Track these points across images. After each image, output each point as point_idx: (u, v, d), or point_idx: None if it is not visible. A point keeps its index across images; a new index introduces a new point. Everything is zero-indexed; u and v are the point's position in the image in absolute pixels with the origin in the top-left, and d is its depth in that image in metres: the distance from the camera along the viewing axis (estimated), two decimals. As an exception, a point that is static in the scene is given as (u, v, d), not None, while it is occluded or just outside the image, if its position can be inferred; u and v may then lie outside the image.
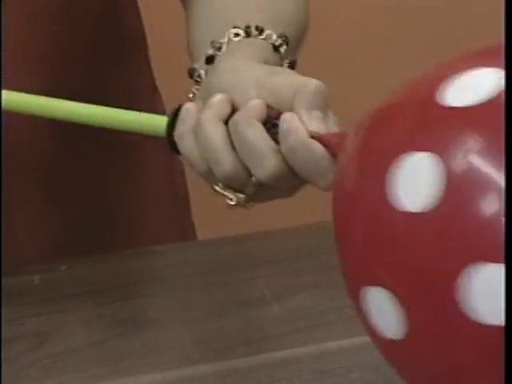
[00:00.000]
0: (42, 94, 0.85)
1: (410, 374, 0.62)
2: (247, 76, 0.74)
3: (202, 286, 0.92)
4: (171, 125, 0.75)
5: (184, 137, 0.72)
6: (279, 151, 0.68)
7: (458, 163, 0.55)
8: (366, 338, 0.81)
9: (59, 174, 1.04)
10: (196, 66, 0.82)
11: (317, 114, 0.67)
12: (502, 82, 0.57)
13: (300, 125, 0.67)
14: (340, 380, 0.76)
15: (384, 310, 0.58)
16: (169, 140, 0.76)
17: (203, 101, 0.77)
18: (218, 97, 0.72)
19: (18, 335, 0.85)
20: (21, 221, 1.02)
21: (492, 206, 0.53)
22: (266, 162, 0.67)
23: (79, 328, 0.86)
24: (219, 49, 0.79)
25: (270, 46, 0.80)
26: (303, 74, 0.76)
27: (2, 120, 0.88)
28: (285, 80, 0.72)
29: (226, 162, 0.69)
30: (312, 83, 0.70)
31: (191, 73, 0.81)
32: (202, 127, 0.70)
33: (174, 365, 0.80)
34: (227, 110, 0.71)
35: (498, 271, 0.53)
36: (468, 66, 0.60)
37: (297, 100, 0.68)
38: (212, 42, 0.80)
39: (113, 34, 1.02)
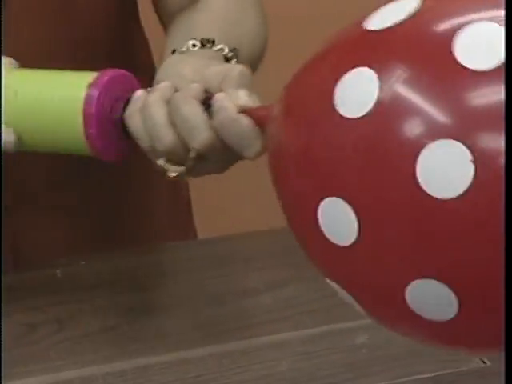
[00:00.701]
0: None
1: (359, 281, 0.61)
2: (186, 67, 0.77)
3: (202, 278, 0.93)
4: (123, 110, 0.77)
5: (132, 116, 0.74)
6: (212, 125, 0.69)
7: (395, 72, 0.55)
8: (345, 324, 0.86)
9: (79, 185, 1.04)
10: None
11: (243, 92, 0.69)
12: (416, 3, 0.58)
13: (229, 102, 0.69)
14: (322, 361, 0.78)
15: (339, 219, 0.58)
16: (121, 123, 0.77)
17: None
18: (163, 83, 0.74)
19: (42, 321, 0.87)
20: (47, 223, 1.03)
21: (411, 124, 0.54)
22: (200, 135, 0.69)
23: (95, 315, 0.87)
24: (181, 52, 0.82)
25: (222, 57, 0.83)
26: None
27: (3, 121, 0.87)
28: (215, 68, 0.74)
29: (166, 137, 0.71)
30: (237, 68, 0.73)
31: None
32: (146, 107, 0.72)
33: (177, 347, 0.82)
34: (170, 93, 0.73)
35: (447, 147, 0.53)
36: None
37: (225, 82, 0.71)
38: (173, 51, 0.83)
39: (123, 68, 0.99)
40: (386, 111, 0.56)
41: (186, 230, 1.15)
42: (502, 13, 0.56)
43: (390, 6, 0.60)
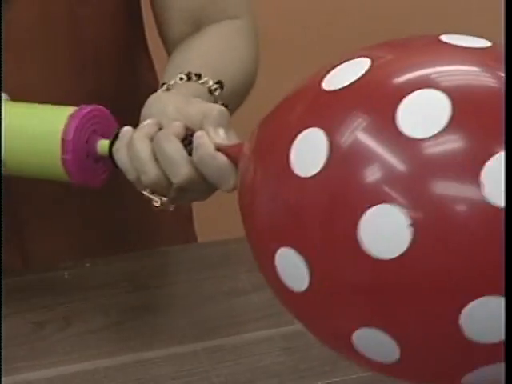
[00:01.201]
0: None
1: (314, 324, 0.63)
2: (170, 105, 0.77)
3: (197, 279, 0.95)
4: (111, 144, 0.78)
5: (119, 150, 0.75)
6: (192, 161, 0.71)
7: (341, 137, 0.56)
8: None
9: (86, 191, 1.03)
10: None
11: (221, 130, 0.71)
12: (367, 66, 0.58)
13: (207, 140, 0.70)
14: (302, 355, 0.81)
15: (292, 267, 0.59)
16: (110, 156, 0.78)
17: None
18: (148, 121, 0.75)
19: (50, 319, 0.88)
20: (58, 229, 1.04)
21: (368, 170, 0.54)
22: (180, 170, 0.71)
23: (99, 313, 0.89)
24: (168, 89, 0.83)
25: (206, 89, 0.84)
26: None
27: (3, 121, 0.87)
28: (196, 107, 0.75)
29: (150, 172, 0.72)
30: (216, 108, 0.74)
31: None
32: (132, 143, 0.74)
33: (173, 342, 0.84)
34: (154, 130, 0.74)
35: (385, 211, 0.53)
36: (343, 59, 0.61)
37: (205, 121, 0.72)
38: (162, 84, 0.84)
39: (131, 92, 1.02)
40: (333, 173, 0.56)
41: (187, 235, 1.16)
42: (443, 73, 0.57)
43: (345, 66, 0.61)
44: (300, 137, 0.58)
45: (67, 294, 0.93)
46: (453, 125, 0.54)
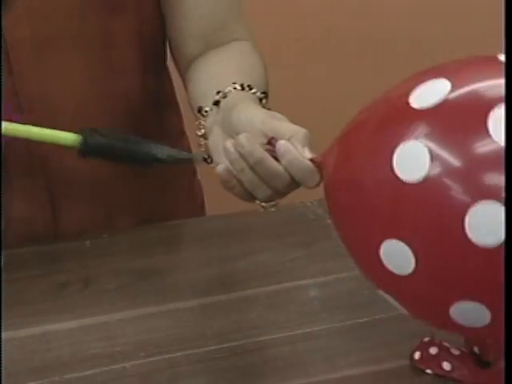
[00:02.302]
0: None
1: (416, 306, 0.67)
2: (256, 115, 0.78)
3: (196, 248, 0.98)
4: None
5: (244, 171, 0.74)
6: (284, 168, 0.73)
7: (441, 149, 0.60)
8: (301, 282, 0.90)
9: (115, 187, 1.06)
10: (203, 105, 0.86)
11: (306, 149, 0.72)
12: (449, 87, 0.62)
13: (292, 147, 0.72)
14: (282, 310, 0.83)
15: (399, 256, 0.63)
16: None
17: (222, 127, 0.82)
18: (249, 140, 0.74)
19: (71, 280, 0.91)
20: (86, 205, 1.05)
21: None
22: (283, 180, 0.74)
23: (113, 276, 0.92)
24: (224, 96, 0.84)
25: (257, 98, 0.86)
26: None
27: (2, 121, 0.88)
28: (284, 125, 0.76)
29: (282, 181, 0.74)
30: (302, 130, 0.75)
31: (200, 109, 0.86)
32: (263, 163, 0.74)
33: (174, 300, 0.87)
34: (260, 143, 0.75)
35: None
36: (426, 78, 0.65)
37: (293, 139, 0.73)
38: (218, 92, 0.85)
39: (155, 132, 0.99)
40: (436, 179, 0.60)
41: (198, 210, 1.17)
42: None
43: (427, 86, 0.64)
44: (401, 146, 0.62)
45: (88, 259, 0.96)
46: None
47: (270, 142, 0.75)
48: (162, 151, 0.81)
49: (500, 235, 0.59)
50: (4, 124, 0.82)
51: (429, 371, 0.75)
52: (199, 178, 1.16)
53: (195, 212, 1.16)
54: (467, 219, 0.59)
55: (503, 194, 0.59)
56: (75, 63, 0.98)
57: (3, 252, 0.93)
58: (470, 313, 0.63)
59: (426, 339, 0.77)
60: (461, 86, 0.63)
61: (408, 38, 2.00)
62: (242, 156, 0.74)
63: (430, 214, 0.61)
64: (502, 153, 0.59)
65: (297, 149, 0.73)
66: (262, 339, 0.81)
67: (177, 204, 1.12)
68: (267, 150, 0.74)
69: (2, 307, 0.86)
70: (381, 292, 0.69)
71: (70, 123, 0.95)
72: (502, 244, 0.59)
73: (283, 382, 0.76)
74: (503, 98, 0.61)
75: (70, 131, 0.83)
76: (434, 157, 0.61)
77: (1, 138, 0.84)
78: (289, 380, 0.76)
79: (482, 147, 0.60)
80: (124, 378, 0.77)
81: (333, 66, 1.98)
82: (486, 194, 0.59)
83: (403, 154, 0.62)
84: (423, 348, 0.76)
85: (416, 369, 0.76)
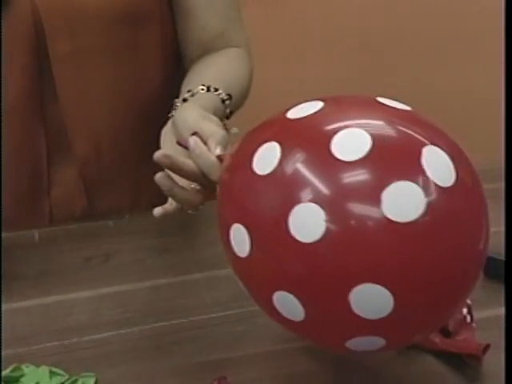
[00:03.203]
0: None
1: (253, 285, 0.66)
2: (191, 115, 0.79)
3: (202, 228, 0.98)
4: None
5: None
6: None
7: (289, 152, 0.61)
8: None
9: (140, 175, 1.06)
10: (177, 100, 0.88)
11: (218, 148, 0.71)
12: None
13: (201, 143, 0.72)
14: None
15: (240, 238, 0.63)
16: None
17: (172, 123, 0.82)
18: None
19: (94, 255, 0.94)
20: (116, 190, 1.06)
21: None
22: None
23: (130, 251, 0.94)
24: (192, 95, 0.87)
25: (220, 99, 0.88)
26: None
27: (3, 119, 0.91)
28: (208, 125, 0.76)
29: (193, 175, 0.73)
30: (221, 132, 0.74)
31: (173, 103, 0.87)
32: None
33: (181, 273, 0.89)
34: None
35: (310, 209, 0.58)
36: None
37: (211, 138, 0.72)
38: (189, 91, 0.88)
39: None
40: (282, 173, 0.61)
41: None
42: (369, 120, 0.62)
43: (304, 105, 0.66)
44: (261, 148, 0.64)
45: (110, 237, 0.97)
46: (369, 157, 0.59)
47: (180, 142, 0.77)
48: None
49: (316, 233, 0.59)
50: None
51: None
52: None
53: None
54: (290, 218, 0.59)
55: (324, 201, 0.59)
56: (106, 73, 0.99)
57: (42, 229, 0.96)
58: (287, 304, 0.62)
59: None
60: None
61: (410, 38, 1.96)
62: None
63: (266, 206, 0.62)
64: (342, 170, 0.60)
65: (210, 146, 0.72)
66: (255, 309, 0.78)
67: None
68: (182, 146, 0.75)
69: (33, 277, 0.89)
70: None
71: (103, 127, 1.00)
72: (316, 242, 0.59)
73: (273, 346, 0.78)
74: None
75: (103, 133, 0.84)
76: (282, 156, 0.62)
77: (1, 137, 0.86)
78: (279, 344, 0.78)
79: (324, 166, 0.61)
80: (133, 341, 0.79)
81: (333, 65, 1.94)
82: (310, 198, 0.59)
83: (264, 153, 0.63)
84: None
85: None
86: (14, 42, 0.94)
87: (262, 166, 0.63)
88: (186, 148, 0.74)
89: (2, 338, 0.80)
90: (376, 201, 0.58)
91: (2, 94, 0.94)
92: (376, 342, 0.63)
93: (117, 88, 1.00)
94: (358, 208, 0.58)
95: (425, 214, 0.58)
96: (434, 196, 0.59)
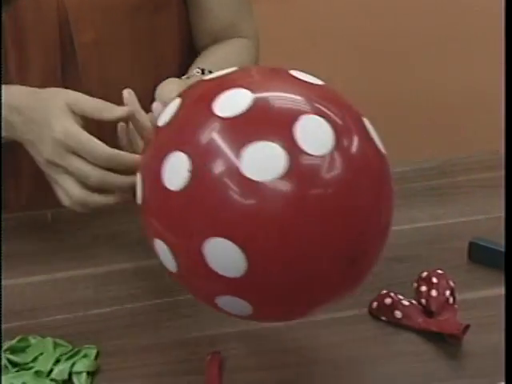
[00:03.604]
0: None
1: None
2: (172, 87, 0.80)
3: None
4: None
5: None
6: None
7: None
8: None
9: None
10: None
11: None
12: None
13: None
14: None
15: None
16: None
17: None
18: None
19: (102, 234, 0.94)
20: None
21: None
22: None
23: (136, 233, 0.91)
24: (188, 77, 0.88)
25: None
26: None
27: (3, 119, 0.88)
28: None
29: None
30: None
31: None
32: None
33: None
34: None
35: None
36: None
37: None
38: (187, 74, 0.90)
39: None
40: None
41: None
42: (263, 85, 0.62)
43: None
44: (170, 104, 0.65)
45: (117, 218, 0.96)
46: (244, 115, 0.58)
47: None
48: None
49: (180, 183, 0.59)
50: None
51: (383, 318, 0.79)
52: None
53: None
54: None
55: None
56: (127, 59, 1.00)
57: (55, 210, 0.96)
58: (163, 254, 0.63)
59: (383, 292, 0.80)
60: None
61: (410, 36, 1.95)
62: None
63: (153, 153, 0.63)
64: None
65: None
66: None
67: None
68: None
69: (43, 254, 0.91)
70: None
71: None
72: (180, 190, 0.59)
73: (263, 324, 0.77)
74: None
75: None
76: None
77: (0, 138, 0.85)
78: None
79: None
80: (135, 316, 0.81)
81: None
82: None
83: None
84: (380, 299, 0.80)
85: (373, 316, 0.80)
86: (39, 31, 0.95)
87: (163, 118, 0.64)
88: None
89: (12, 310, 0.82)
90: (236, 157, 0.57)
91: (27, 80, 0.94)
92: (243, 306, 0.61)
93: (136, 73, 1.01)
94: (219, 162, 0.57)
95: (283, 177, 0.56)
96: (297, 160, 0.57)
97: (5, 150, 0.96)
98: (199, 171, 0.58)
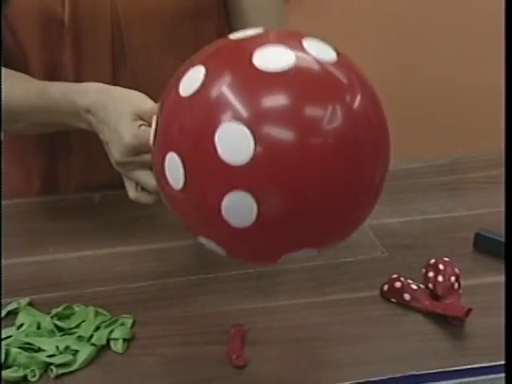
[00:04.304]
0: None
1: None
2: None
3: None
4: None
5: None
6: None
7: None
8: None
9: None
10: None
11: None
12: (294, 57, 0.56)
13: None
14: None
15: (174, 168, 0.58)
16: None
17: None
18: None
19: (141, 216, 0.95)
20: None
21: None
22: None
23: (170, 216, 0.88)
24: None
25: None
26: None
27: (2, 115, 0.90)
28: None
29: None
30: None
31: None
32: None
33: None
34: None
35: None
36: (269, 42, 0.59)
37: None
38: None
39: None
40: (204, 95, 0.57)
41: None
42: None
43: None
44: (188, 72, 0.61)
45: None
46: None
47: None
48: None
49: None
50: None
51: (393, 300, 0.80)
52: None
53: None
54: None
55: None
56: (172, 61, 0.93)
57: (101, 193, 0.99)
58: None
59: (394, 276, 0.81)
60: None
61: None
62: None
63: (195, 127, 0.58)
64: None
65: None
66: (271, 269, 0.84)
67: None
68: None
69: (89, 232, 0.93)
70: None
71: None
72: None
73: (283, 301, 0.80)
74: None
75: None
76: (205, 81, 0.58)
77: (1, 138, 0.88)
78: (288, 300, 0.80)
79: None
80: (167, 290, 0.83)
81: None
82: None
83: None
84: (391, 282, 0.81)
85: (384, 298, 0.80)
86: (93, 35, 0.96)
87: (187, 88, 0.59)
88: None
89: (60, 281, 0.84)
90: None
91: (82, 81, 0.93)
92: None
93: None
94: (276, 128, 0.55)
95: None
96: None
97: (56, 134, 0.99)
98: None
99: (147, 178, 0.78)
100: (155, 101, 0.92)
